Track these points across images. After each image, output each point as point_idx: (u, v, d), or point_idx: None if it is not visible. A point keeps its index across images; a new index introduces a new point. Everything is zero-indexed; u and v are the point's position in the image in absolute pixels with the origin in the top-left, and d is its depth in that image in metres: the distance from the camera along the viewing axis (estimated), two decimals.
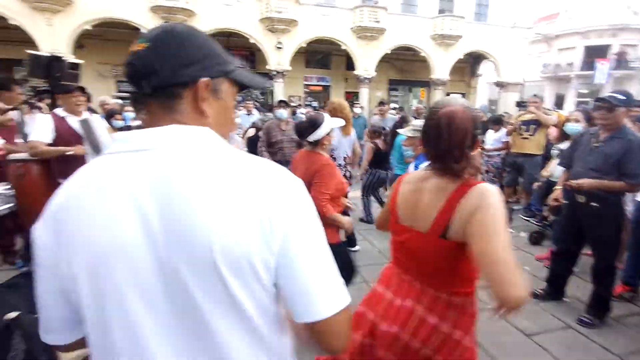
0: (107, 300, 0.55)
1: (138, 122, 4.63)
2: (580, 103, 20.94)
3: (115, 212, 0.54)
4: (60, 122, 2.81)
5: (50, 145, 2.74)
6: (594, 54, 23.21)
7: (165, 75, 0.57)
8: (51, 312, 0.64)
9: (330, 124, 2.12)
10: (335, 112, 3.44)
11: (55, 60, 1.62)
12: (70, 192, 0.59)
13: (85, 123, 2.86)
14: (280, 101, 5.01)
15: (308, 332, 0.63)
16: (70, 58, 1.63)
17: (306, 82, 19.18)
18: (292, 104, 14.40)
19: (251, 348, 0.59)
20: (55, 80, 1.61)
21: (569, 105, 22.14)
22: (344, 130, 3.48)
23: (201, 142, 0.58)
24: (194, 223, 0.52)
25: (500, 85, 19.38)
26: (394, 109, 7.89)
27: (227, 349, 0.56)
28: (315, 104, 18.31)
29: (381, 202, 4.81)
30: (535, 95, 5.03)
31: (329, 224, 2.07)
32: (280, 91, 15.90)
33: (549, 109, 5.24)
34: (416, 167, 2.34)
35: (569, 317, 2.66)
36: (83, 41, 13.91)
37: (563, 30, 25.32)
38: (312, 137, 2.08)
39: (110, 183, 0.55)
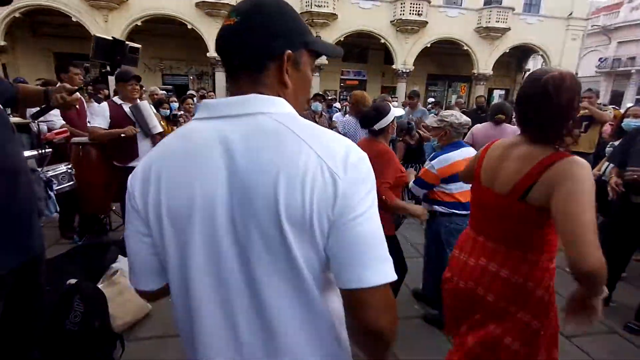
0: (187, 249, 0.61)
1: (181, 112, 4.93)
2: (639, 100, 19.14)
3: (203, 169, 0.60)
4: (116, 109, 3.07)
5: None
6: None
7: (254, 48, 0.62)
8: (139, 258, 0.70)
9: (394, 112, 2.15)
10: (357, 104, 3.45)
11: (118, 43, 1.76)
12: (166, 148, 0.66)
13: (135, 108, 3.09)
14: (316, 94, 5.09)
15: (347, 303, 0.64)
16: (131, 43, 1.76)
17: (342, 77, 19.12)
18: (328, 98, 14.48)
19: (298, 312, 0.62)
20: (116, 63, 1.76)
21: (628, 103, 20.32)
22: None
23: (277, 111, 0.62)
24: (265, 183, 0.56)
25: None
26: (431, 103, 7.65)
27: (275, 311, 0.60)
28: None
29: (414, 198, 4.73)
30: (589, 89, 4.69)
31: (385, 215, 2.05)
32: (316, 85, 15.99)
33: (604, 105, 4.87)
34: (434, 157, 2.30)
35: (614, 322, 2.52)
36: (134, 36, 14.80)
37: (625, 21, 23.16)
38: (378, 126, 2.11)
39: (200, 144, 0.61)
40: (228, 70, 0.66)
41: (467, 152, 2.24)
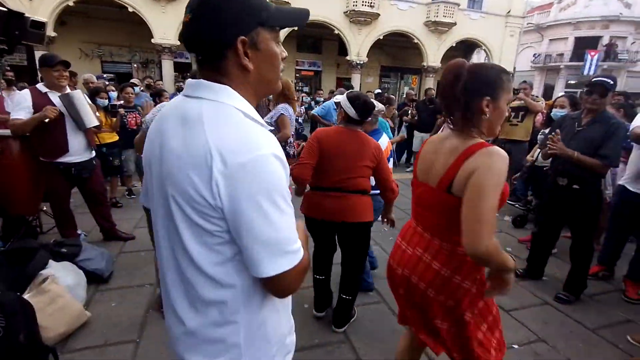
0: (151, 195, 0.79)
1: (121, 102, 4.54)
2: (567, 93, 21.17)
3: (158, 134, 0.74)
4: (40, 98, 2.72)
5: None
6: (584, 45, 23.38)
7: (208, 42, 0.68)
8: (146, 183, 0.85)
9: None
10: (282, 90, 3.41)
11: (15, 15, 1.52)
12: (162, 111, 0.79)
13: (65, 97, 2.77)
14: None
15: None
16: (33, 16, 1.52)
17: (297, 67, 18.91)
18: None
19: (214, 263, 0.70)
20: (15, 40, 1.52)
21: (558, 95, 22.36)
22: (294, 107, 3.68)
23: (213, 98, 0.69)
24: (172, 162, 0.68)
25: None
26: (378, 94, 7.79)
27: (194, 255, 0.70)
28: (306, 89, 18.14)
29: None
30: (524, 81, 5.06)
31: (370, 204, 2.15)
32: None
33: (535, 96, 5.29)
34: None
35: (547, 295, 2.76)
36: (65, 18, 13.38)
37: (555, 20, 25.37)
38: (374, 114, 2.21)
39: (166, 112, 0.76)
40: (197, 62, 0.73)
41: (386, 139, 2.63)
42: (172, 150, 0.68)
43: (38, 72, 3.02)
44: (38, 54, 3.07)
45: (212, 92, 0.69)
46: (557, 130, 2.53)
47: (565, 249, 2.84)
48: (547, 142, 2.54)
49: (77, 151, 2.93)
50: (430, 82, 17.95)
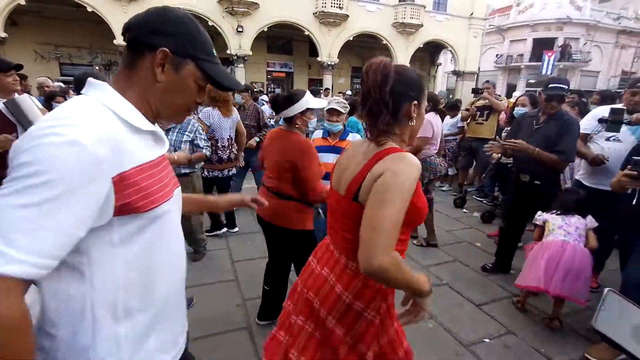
0: None
1: None
2: (528, 92, 22.31)
3: None
4: None
5: None
6: (542, 46, 24.75)
7: (137, 33, 0.72)
8: None
9: (307, 103, 1.96)
10: (209, 93, 3.33)
11: None
12: None
13: (11, 104, 2.55)
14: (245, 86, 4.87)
15: None
16: None
17: (269, 69, 18.77)
18: (255, 90, 14.06)
19: None
20: None
21: (519, 94, 23.54)
22: (225, 112, 3.43)
23: (86, 92, 0.71)
24: None
25: (457, 74, 20.14)
26: (350, 95, 7.88)
27: None
28: (278, 90, 18.02)
29: None
30: (487, 81, 5.26)
31: (301, 209, 2.01)
32: (241, 77, 15.42)
33: (499, 95, 5.52)
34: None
35: (514, 288, 2.86)
36: (16, 17, 12.55)
37: (514, 22, 26.69)
38: (285, 113, 1.96)
39: None
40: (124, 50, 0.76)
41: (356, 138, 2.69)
42: None
43: None
44: None
45: (91, 88, 0.72)
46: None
47: (530, 241, 2.96)
48: (506, 143, 2.65)
49: None
50: None
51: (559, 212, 2.44)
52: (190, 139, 2.83)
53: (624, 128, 2.51)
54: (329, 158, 2.65)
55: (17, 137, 2.54)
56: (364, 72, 1.02)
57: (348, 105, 2.73)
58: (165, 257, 0.80)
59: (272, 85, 18.83)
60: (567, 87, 2.52)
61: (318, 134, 2.84)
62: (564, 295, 2.23)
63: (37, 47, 14.05)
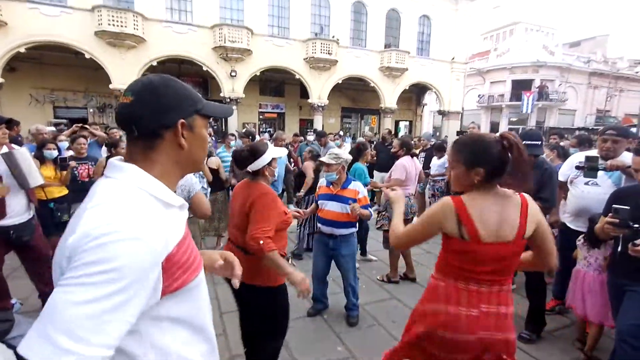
0: None
1: (71, 153, 4.31)
2: (511, 129, 23.24)
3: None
4: None
5: None
6: (521, 86, 26.18)
7: (148, 122, 0.75)
8: None
9: (272, 153, 2.01)
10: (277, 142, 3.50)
11: None
12: None
13: (9, 157, 2.59)
14: (231, 134, 5.11)
15: None
16: None
17: (261, 110, 19.31)
18: (244, 130, 14.35)
19: None
20: None
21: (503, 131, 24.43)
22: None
23: (118, 177, 0.73)
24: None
25: (442, 113, 20.98)
26: (340, 135, 8.16)
27: None
28: (270, 129, 18.43)
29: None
30: (472, 122, 5.51)
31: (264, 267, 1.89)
32: (234, 118, 15.81)
33: None
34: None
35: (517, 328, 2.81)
36: (15, 64, 12.89)
37: (493, 65, 28.39)
38: (252, 167, 1.97)
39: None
40: (127, 138, 0.80)
41: (358, 187, 2.89)
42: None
43: None
44: None
45: (116, 171, 0.74)
46: None
47: (523, 283, 2.95)
48: None
49: (17, 212, 2.69)
50: (389, 122, 18.97)
51: (584, 243, 2.61)
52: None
53: (600, 172, 2.62)
54: (332, 206, 2.87)
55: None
56: (509, 144, 1.32)
57: (341, 157, 2.84)
58: (204, 319, 0.85)
59: (264, 125, 19.28)
60: (540, 142, 2.68)
61: (323, 182, 2.99)
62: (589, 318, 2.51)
63: (33, 91, 14.32)
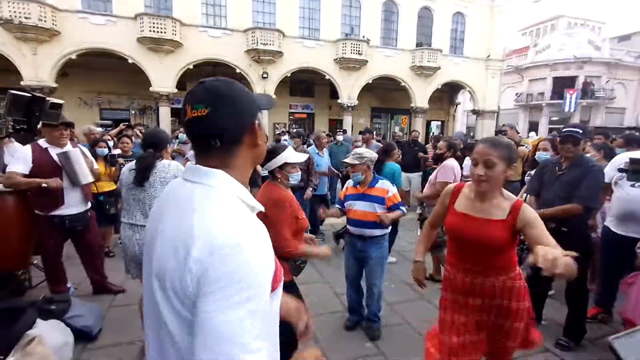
0: (145, 269, 0.80)
1: (118, 151, 4.64)
2: (552, 129, 22.00)
3: (159, 216, 0.78)
4: (41, 153, 2.80)
5: (28, 176, 2.72)
6: (562, 84, 24.73)
7: (233, 131, 0.76)
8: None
9: (285, 158, 2.03)
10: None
11: (36, 100, 1.65)
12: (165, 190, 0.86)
13: (63, 156, 2.85)
14: None
15: None
16: (52, 99, 1.68)
17: (291, 110, 19.58)
18: (277, 132, 14.63)
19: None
20: (35, 119, 1.65)
21: (543, 131, 23.24)
22: None
23: (209, 183, 0.74)
24: (161, 237, 0.73)
25: (476, 113, 20.26)
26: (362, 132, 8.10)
27: (175, 338, 0.68)
28: (301, 129, 18.64)
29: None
30: (504, 125, 5.33)
31: (281, 262, 2.01)
32: (265, 118, 16.17)
33: (521, 137, 5.52)
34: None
35: (546, 341, 2.70)
36: (67, 69, 13.94)
37: (533, 62, 27.02)
38: (266, 167, 2.05)
39: (165, 196, 0.83)
40: (200, 149, 0.78)
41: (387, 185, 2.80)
42: (163, 231, 0.73)
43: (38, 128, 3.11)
44: None
45: (208, 177, 0.74)
46: None
47: (562, 288, 2.83)
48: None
49: (72, 203, 2.95)
50: (419, 122, 18.62)
51: None
52: None
53: None
54: (360, 205, 2.74)
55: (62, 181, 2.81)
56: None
57: (365, 157, 2.71)
58: (277, 323, 0.85)
59: (294, 125, 19.55)
60: (580, 131, 2.54)
61: (350, 182, 2.88)
62: None
63: (82, 94, 15.42)
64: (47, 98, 1.74)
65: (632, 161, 2.43)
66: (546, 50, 26.71)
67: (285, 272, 2.02)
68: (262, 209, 0.81)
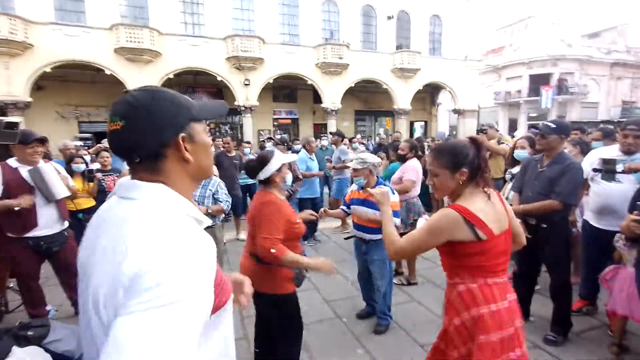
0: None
1: (97, 165, 4.52)
2: (530, 126, 22.60)
3: (90, 236, 0.75)
4: (11, 173, 2.68)
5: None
6: (538, 81, 25.51)
7: (148, 146, 0.71)
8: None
9: (280, 159, 2.04)
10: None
11: None
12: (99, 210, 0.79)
13: (34, 172, 2.73)
14: (246, 141, 5.29)
15: None
16: (7, 117, 1.63)
17: (275, 116, 19.53)
18: (261, 138, 14.55)
19: None
20: None
21: (522, 128, 23.87)
22: None
23: (143, 197, 0.70)
24: (95, 256, 0.67)
25: (457, 112, 20.67)
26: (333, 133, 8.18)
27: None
28: (285, 136, 18.58)
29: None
30: (482, 125, 5.43)
31: (280, 274, 1.96)
32: (249, 125, 16.07)
33: (501, 136, 5.63)
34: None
35: (535, 336, 2.74)
36: (42, 83, 13.54)
37: (509, 61, 27.79)
38: (262, 175, 2.01)
39: (100, 214, 0.77)
40: (128, 163, 0.75)
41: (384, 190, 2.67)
42: (100, 250, 0.67)
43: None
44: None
45: (144, 192, 0.71)
46: None
47: (547, 284, 2.88)
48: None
49: (47, 224, 2.84)
50: (403, 123, 18.86)
51: (626, 243, 2.42)
52: (212, 193, 3.13)
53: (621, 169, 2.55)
54: (362, 211, 2.82)
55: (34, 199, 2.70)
56: (479, 144, 1.44)
57: (367, 162, 2.74)
58: (231, 342, 0.83)
59: (278, 131, 19.47)
60: (555, 127, 2.59)
61: (354, 187, 2.93)
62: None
63: (59, 107, 14.97)
64: (1, 118, 1.67)
65: (605, 161, 2.49)
66: (522, 48, 27.53)
67: (289, 282, 2.01)
68: (210, 222, 0.79)
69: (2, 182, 2.61)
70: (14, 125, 1.69)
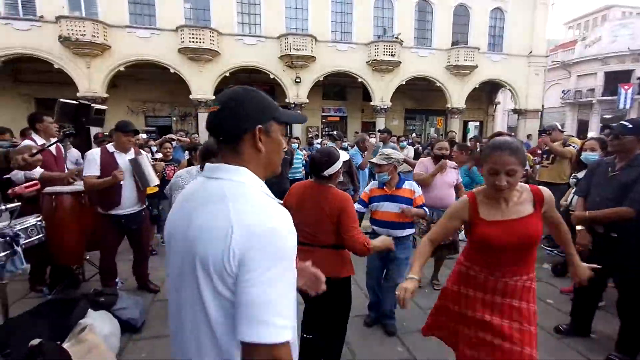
0: (170, 264, 0.90)
1: (160, 155, 4.94)
2: (604, 127, 20.37)
3: (184, 212, 0.87)
4: (108, 157, 3.10)
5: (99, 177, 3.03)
6: (616, 79, 22.83)
7: (230, 127, 0.86)
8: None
9: (344, 157, 2.15)
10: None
11: (83, 107, 1.83)
12: (186, 189, 0.96)
13: (135, 162, 3.15)
14: (295, 137, 5.47)
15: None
16: (96, 105, 1.87)
17: (323, 114, 19.69)
18: (309, 135, 14.78)
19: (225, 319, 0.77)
20: (81, 125, 1.84)
21: (594, 131, 21.58)
22: None
23: (232, 178, 0.84)
24: (197, 231, 0.80)
25: (518, 112, 19.23)
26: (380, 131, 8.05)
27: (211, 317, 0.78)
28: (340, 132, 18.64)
29: None
30: (544, 127, 5.01)
31: (348, 256, 2.13)
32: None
33: (568, 137, 5.17)
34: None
35: (596, 355, 2.51)
36: (116, 81, 15.01)
37: (581, 57, 25.21)
38: (329, 171, 2.07)
39: (188, 194, 0.91)
40: (217, 142, 0.90)
41: (411, 186, 2.85)
42: (199, 226, 0.80)
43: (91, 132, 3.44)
44: None
45: (230, 173, 0.85)
46: None
47: (614, 300, 2.62)
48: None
49: (129, 204, 3.22)
50: (456, 122, 17.99)
51: None
52: None
53: None
54: (388, 207, 2.77)
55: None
56: None
57: (392, 158, 2.76)
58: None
59: (326, 129, 19.63)
60: (632, 127, 2.33)
61: (374, 184, 2.91)
62: None
63: (130, 103, 16.51)
64: (92, 105, 1.92)
65: None
66: (596, 43, 24.81)
67: (351, 264, 2.17)
68: (280, 202, 0.89)
69: (100, 163, 3.01)
70: (102, 112, 1.94)
